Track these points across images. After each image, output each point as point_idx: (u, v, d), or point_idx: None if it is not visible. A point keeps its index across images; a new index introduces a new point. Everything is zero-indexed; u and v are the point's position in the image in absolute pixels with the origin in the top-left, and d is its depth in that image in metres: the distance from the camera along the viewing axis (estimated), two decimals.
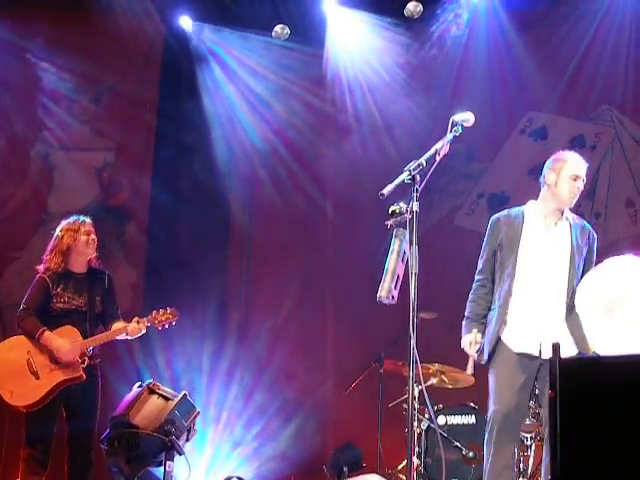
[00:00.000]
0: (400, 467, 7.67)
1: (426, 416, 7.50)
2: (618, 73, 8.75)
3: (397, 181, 4.59)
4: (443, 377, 7.83)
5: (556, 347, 2.62)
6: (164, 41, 10.12)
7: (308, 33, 9.94)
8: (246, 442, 9.16)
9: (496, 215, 5.70)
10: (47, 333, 6.28)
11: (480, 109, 5.02)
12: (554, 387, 2.59)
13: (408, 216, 4.53)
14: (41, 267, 6.56)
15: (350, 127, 9.92)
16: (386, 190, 4.52)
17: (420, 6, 9.22)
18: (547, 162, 5.62)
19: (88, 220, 6.67)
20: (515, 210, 5.68)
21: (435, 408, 7.49)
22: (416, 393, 6.89)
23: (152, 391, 6.31)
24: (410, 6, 9.24)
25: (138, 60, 10.19)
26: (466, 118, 4.97)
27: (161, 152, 9.93)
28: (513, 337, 5.35)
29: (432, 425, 7.35)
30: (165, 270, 9.68)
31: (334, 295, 9.79)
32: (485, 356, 5.40)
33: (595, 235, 5.63)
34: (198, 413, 6.39)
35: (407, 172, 4.60)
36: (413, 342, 4.44)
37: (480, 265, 5.66)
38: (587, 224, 5.67)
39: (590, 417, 2.54)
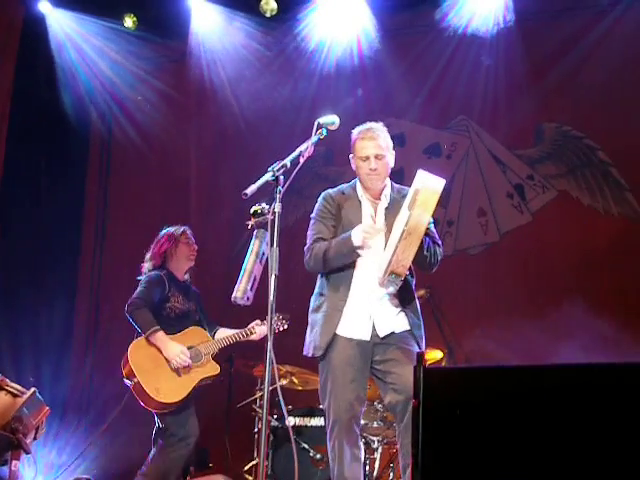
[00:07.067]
0: (247, 467, 7.64)
1: (275, 417, 7.48)
2: (478, 86, 8.92)
3: (261, 181, 4.57)
4: (293, 378, 7.84)
5: (420, 356, 2.64)
6: (22, 25, 9.71)
7: (168, 24, 9.89)
8: (94, 442, 8.93)
9: (329, 192, 5.39)
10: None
11: (338, 112, 5.02)
12: (417, 396, 2.60)
13: (270, 217, 4.50)
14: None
15: (211, 121, 9.91)
16: (249, 190, 4.51)
17: (274, 4, 9.31)
18: None
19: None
20: (347, 189, 5.39)
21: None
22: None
23: None
24: (263, 4, 9.34)
25: None
26: (331, 121, 4.98)
27: (15, 141, 9.57)
28: (349, 326, 5.15)
29: (284, 426, 7.33)
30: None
31: None
32: (320, 351, 5.18)
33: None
34: (48, 411, 6.21)
35: (271, 172, 4.59)
36: (270, 344, 4.42)
37: (317, 233, 5.30)
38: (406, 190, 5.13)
39: (453, 426, 2.56)
